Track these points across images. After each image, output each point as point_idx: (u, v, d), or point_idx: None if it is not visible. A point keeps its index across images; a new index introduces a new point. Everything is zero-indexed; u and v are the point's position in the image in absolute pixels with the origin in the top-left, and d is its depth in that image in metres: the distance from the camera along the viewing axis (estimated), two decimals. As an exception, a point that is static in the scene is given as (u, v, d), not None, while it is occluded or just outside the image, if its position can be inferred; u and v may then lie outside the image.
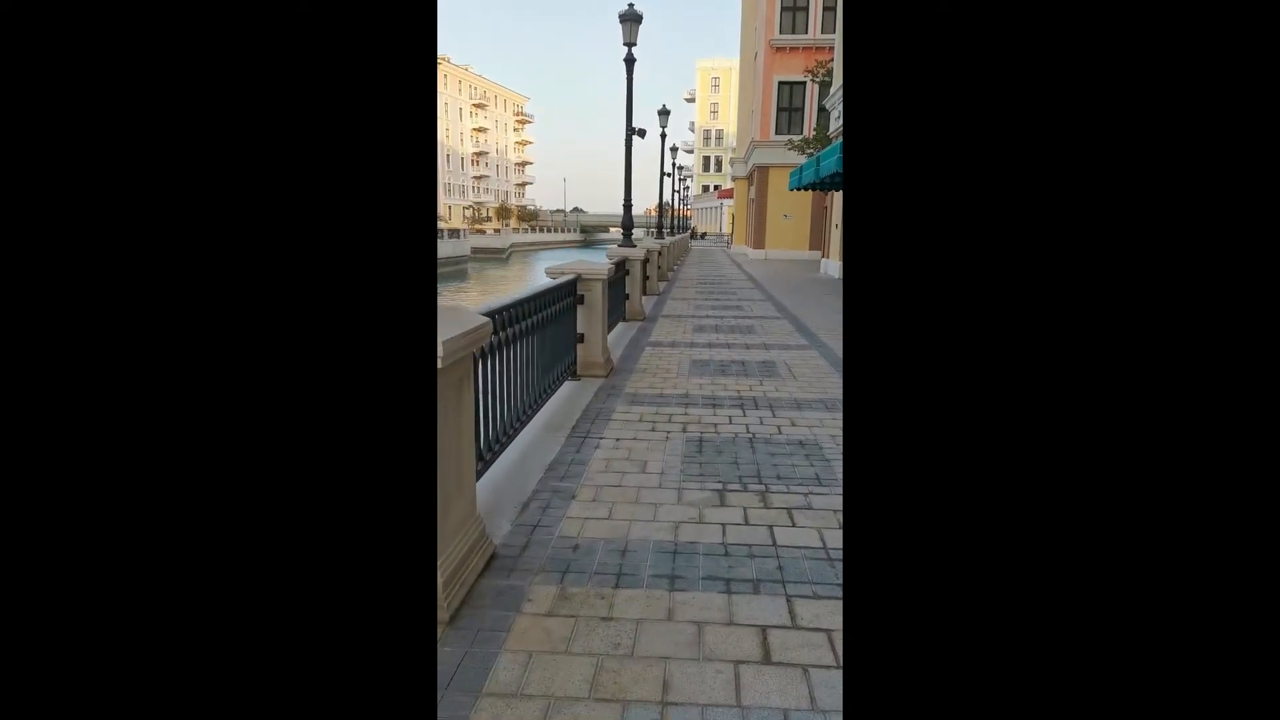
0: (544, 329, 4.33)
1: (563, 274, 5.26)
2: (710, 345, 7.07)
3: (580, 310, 5.44)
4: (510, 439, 3.55)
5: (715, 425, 4.18)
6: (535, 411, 4.11)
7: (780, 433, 4.06)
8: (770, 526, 2.77)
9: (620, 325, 8.31)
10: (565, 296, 5.02)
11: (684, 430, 4.07)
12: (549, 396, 4.52)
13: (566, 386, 5.10)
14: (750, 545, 2.59)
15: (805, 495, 3.09)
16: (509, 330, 3.45)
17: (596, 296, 5.49)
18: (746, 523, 2.80)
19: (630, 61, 8.51)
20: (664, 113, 15.55)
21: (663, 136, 15.46)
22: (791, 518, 2.86)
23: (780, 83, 25.89)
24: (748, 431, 4.07)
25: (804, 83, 25.31)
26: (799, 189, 15.53)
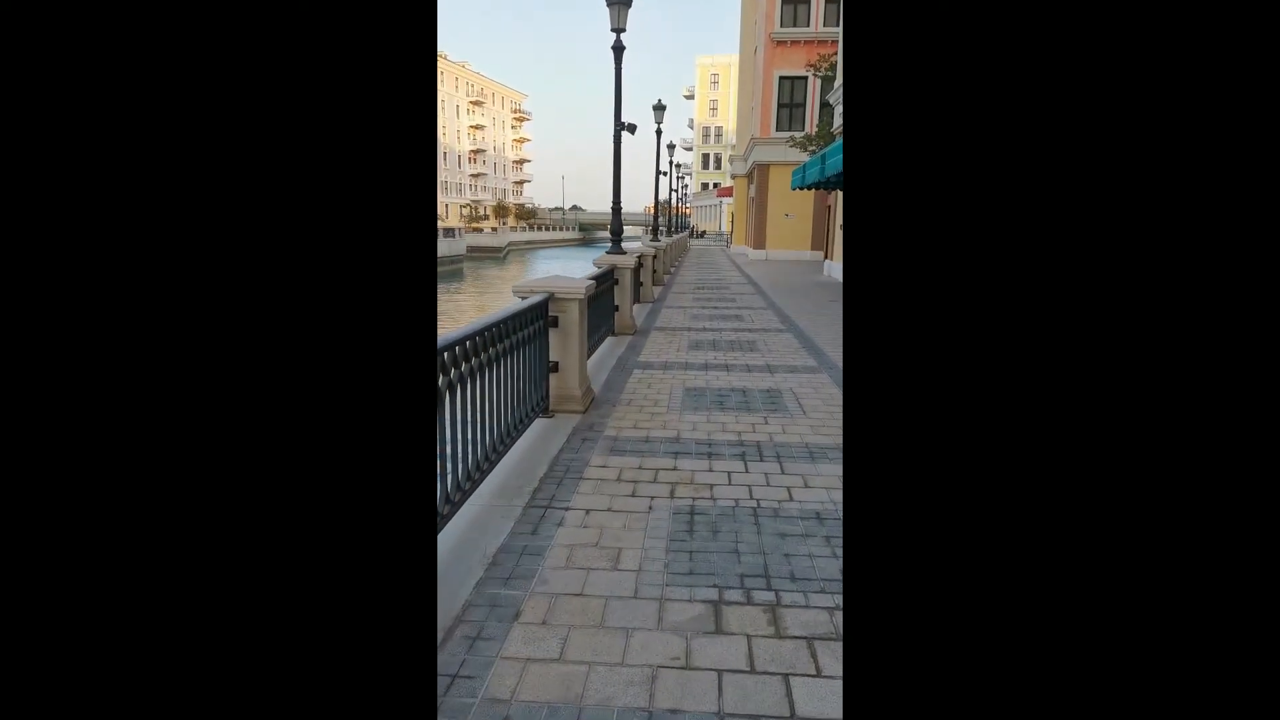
0: (502, 362, 3.54)
1: (532, 293, 4.46)
2: (706, 367, 6.27)
3: (553, 335, 4.64)
4: (448, 517, 2.76)
5: (711, 487, 3.39)
6: (489, 469, 3.33)
7: (791, 499, 3.26)
8: (785, 675, 1.97)
9: (608, 341, 7.52)
10: (534, 320, 4.22)
11: (671, 496, 3.27)
12: (511, 443, 3.74)
13: (536, 426, 4.31)
14: (758, 718, 1.80)
15: (830, 611, 2.30)
16: (446, 377, 2.66)
17: (573, 318, 4.70)
18: (752, 668, 2.00)
19: (619, 50, 7.70)
20: (659, 108, 14.68)
21: (658, 133, 14.57)
22: (814, 656, 2.06)
23: (781, 78, 25.06)
24: (751, 497, 3.28)
25: (805, 78, 24.51)
26: (803, 188, 14.73)
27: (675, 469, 3.63)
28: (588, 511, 3.07)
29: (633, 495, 3.27)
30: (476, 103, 78.48)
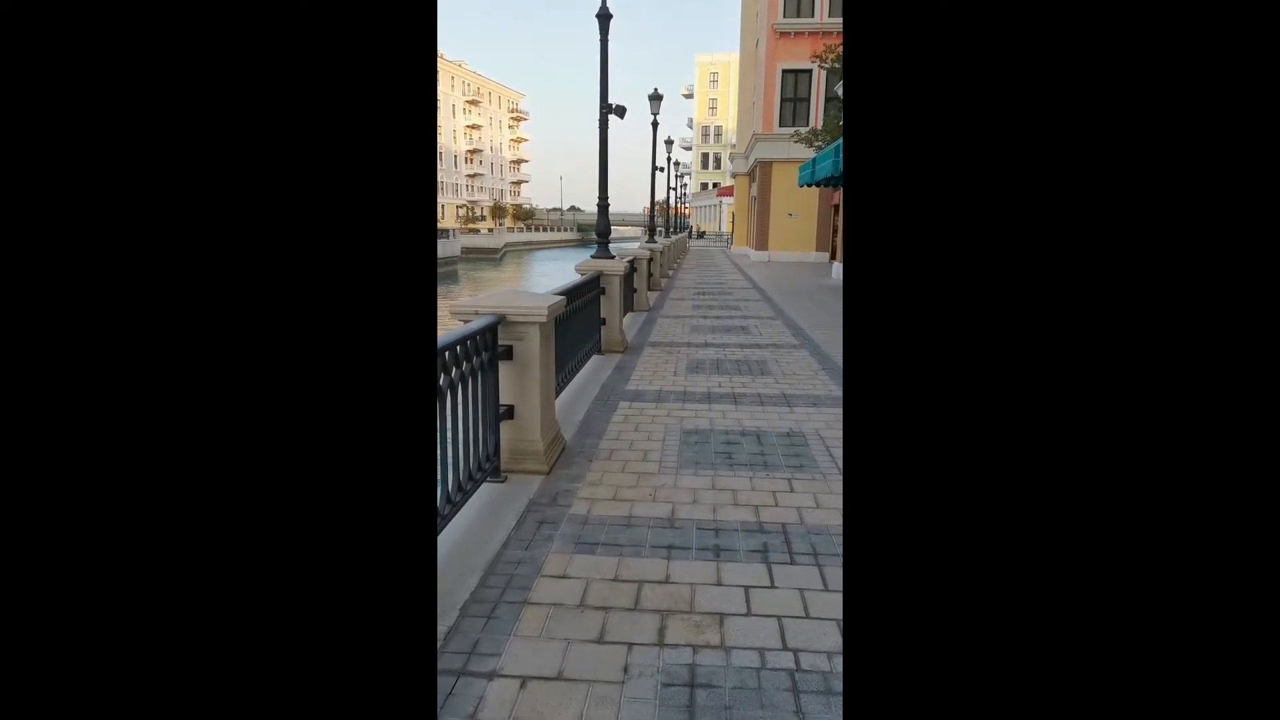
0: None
1: (478, 314, 3.31)
2: (709, 398, 5.11)
3: (506, 370, 3.49)
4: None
5: (720, 621, 2.22)
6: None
7: (847, 646, 2.11)
8: None
9: (593, 361, 6.37)
10: (477, 352, 3.08)
11: (660, 641, 2.10)
12: (437, 532, 2.58)
13: (480, 497, 3.15)
14: None
15: None
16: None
17: (532, 347, 3.54)
18: None
19: (605, 18, 6.51)
20: (655, 97, 13.42)
21: (654, 125, 13.30)
22: None
23: (784, 71, 23.90)
24: (783, 643, 2.11)
25: (809, 71, 23.38)
26: (812, 184, 13.58)
27: (667, 581, 2.46)
28: (524, 683, 1.90)
29: (600, 641, 2.10)
30: (473, 102, 77.32)
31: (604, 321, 6.80)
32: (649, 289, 13.19)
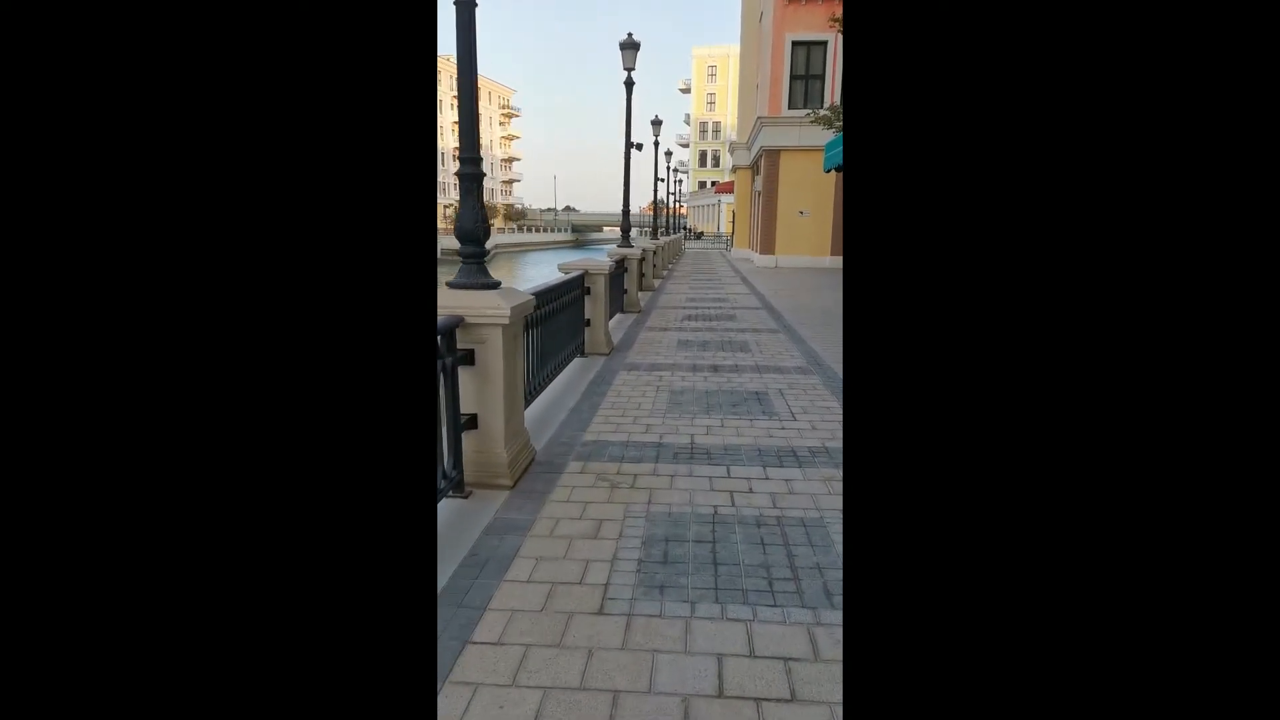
0: None
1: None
2: (692, 682, 1.56)
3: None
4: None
5: None
6: None
7: None
8: None
9: (450, 507, 2.82)
10: None
11: None
12: None
13: None
14: None
15: None
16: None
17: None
18: None
19: None
20: (630, 46, 9.84)
21: (628, 84, 9.72)
22: None
23: (794, 43, 20.31)
24: None
25: (824, 43, 19.86)
26: (840, 169, 10.05)
27: None
28: None
29: None
30: (460, 97, 73.80)
31: (468, 424, 3.24)
32: (625, 310, 9.65)
